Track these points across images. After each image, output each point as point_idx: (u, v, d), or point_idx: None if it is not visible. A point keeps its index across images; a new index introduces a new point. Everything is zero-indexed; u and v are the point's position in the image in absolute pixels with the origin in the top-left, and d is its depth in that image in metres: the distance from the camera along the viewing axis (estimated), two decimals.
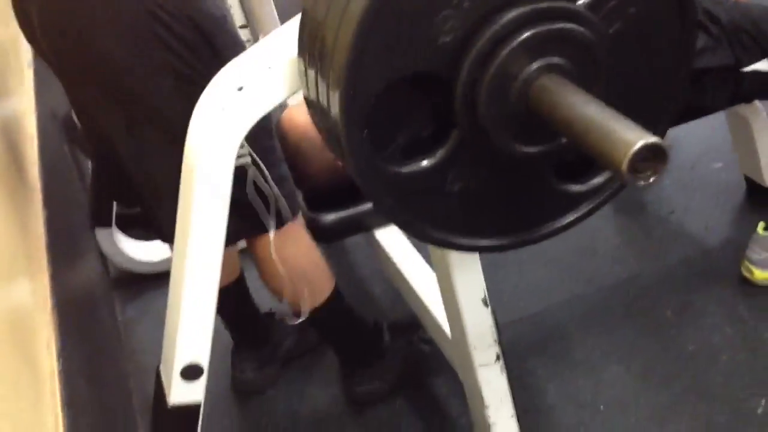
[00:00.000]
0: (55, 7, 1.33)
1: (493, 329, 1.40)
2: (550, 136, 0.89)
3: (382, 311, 2.11)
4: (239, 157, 1.37)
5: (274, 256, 1.51)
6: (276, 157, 1.53)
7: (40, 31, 1.38)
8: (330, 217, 1.73)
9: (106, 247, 2.24)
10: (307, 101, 0.97)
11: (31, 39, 1.47)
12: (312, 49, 0.89)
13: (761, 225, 1.93)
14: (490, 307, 1.37)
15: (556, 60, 0.83)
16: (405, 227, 0.98)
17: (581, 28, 0.84)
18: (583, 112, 0.76)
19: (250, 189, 1.43)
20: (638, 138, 0.69)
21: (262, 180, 1.44)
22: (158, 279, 2.19)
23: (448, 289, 1.36)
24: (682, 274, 2.04)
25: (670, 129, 2.07)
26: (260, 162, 1.43)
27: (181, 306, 1.18)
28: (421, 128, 0.92)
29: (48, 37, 1.38)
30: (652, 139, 0.68)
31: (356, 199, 1.74)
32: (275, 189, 1.47)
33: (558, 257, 2.16)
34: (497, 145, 0.88)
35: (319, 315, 1.70)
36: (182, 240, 1.15)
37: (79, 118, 1.65)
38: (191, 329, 1.20)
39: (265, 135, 1.47)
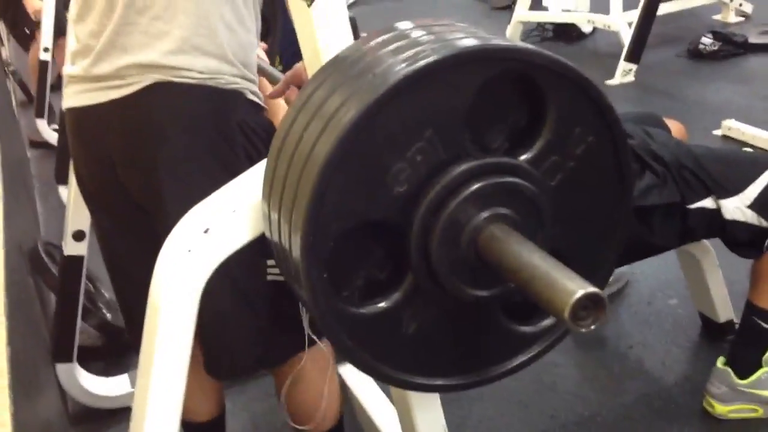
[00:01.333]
0: (138, 130, 1.32)
1: None
2: (499, 280, 0.92)
3: None
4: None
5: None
6: None
7: (121, 160, 1.36)
8: None
9: (66, 382, 2.21)
10: (271, 243, 1.01)
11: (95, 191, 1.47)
12: (275, 195, 0.94)
13: (720, 360, 1.97)
14: None
15: (502, 210, 0.89)
16: (363, 368, 0.99)
17: (524, 182, 0.90)
18: (528, 261, 0.81)
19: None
20: (578, 288, 0.73)
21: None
22: (118, 414, 2.16)
23: (409, 428, 1.36)
24: (642, 411, 2.05)
25: (627, 266, 2.15)
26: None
27: None
28: (377, 271, 0.95)
29: (126, 164, 1.36)
30: (591, 289, 0.73)
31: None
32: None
33: (519, 393, 2.17)
34: (449, 290, 0.91)
35: None
36: (144, 379, 1.16)
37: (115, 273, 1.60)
38: None
39: None
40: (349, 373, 1.85)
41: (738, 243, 1.89)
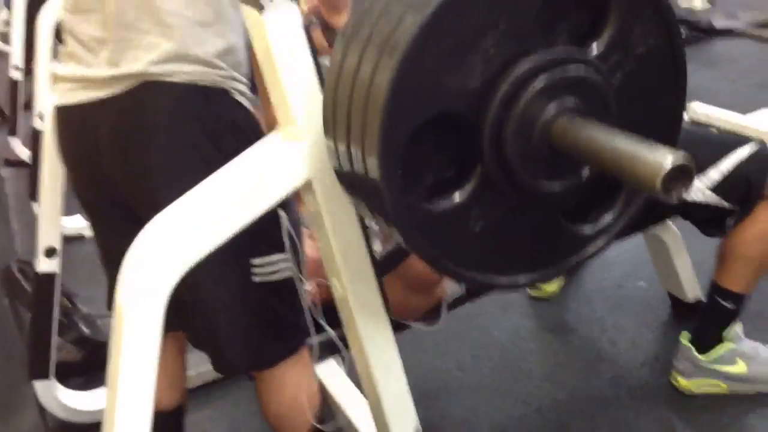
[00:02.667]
0: (127, 125, 1.34)
1: None
2: (570, 172, 0.97)
3: None
4: (276, 271, 1.42)
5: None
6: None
7: (108, 153, 1.38)
8: None
9: (44, 399, 2.21)
10: (338, 173, 1.03)
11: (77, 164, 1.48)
12: (341, 116, 0.96)
13: (684, 335, 2.01)
14: None
15: (573, 101, 0.92)
16: (432, 263, 1.01)
17: (594, 74, 0.94)
18: (609, 141, 0.84)
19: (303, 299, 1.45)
20: (668, 158, 0.76)
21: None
22: (98, 428, 2.16)
23: (382, 426, 1.38)
24: (616, 392, 2.08)
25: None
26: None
27: None
28: (447, 168, 0.98)
29: (114, 158, 1.38)
30: (681, 158, 0.76)
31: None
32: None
33: (496, 382, 2.20)
34: (520, 182, 0.95)
35: None
36: (113, 389, 1.16)
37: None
38: None
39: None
40: (324, 371, 1.86)
41: (701, 222, 1.92)
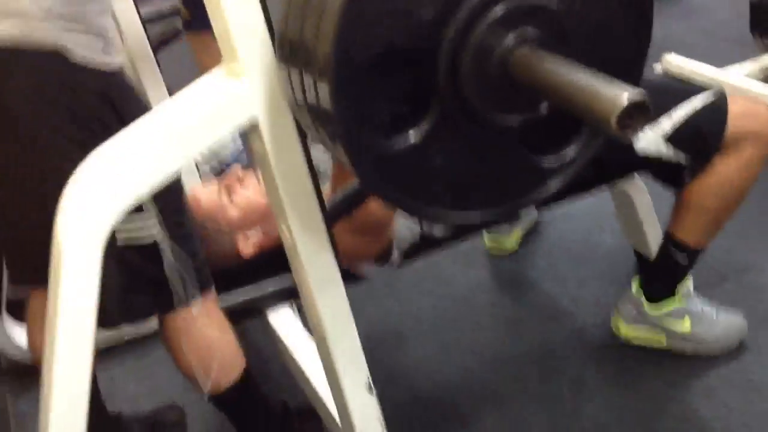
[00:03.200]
0: None
1: (379, 414, 1.39)
2: (529, 105, 0.94)
3: (281, 393, 2.09)
4: (147, 232, 1.41)
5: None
6: (187, 232, 1.52)
7: None
8: (225, 300, 1.72)
9: None
10: (293, 106, 0.99)
11: None
12: (295, 43, 0.92)
13: (635, 282, 2.01)
14: (375, 392, 1.37)
15: (531, 31, 0.88)
16: (393, 202, 0.99)
17: (555, 2, 0.89)
18: (567, 75, 0.81)
19: (168, 264, 1.44)
20: (624, 93, 0.73)
21: (170, 255, 1.44)
22: None
23: (332, 375, 1.35)
24: (574, 348, 2.07)
25: (562, 205, 2.13)
26: (169, 236, 1.44)
27: (53, 391, 1.14)
28: (403, 105, 0.94)
29: None
30: (637, 94, 0.72)
31: (251, 281, 1.75)
32: (188, 263, 1.46)
33: (452, 332, 2.18)
34: (478, 116, 0.92)
35: (226, 395, 1.66)
36: (51, 335, 1.12)
37: None
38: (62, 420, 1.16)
39: (175, 209, 1.47)
40: (278, 320, 1.83)
41: (657, 174, 1.88)
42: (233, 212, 1.70)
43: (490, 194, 1.04)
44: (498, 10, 0.86)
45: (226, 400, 1.69)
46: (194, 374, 1.62)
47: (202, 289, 1.55)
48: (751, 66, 3.49)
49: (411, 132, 0.94)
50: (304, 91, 0.93)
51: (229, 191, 1.72)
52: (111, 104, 1.37)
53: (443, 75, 0.89)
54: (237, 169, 1.75)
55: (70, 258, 1.06)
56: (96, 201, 1.05)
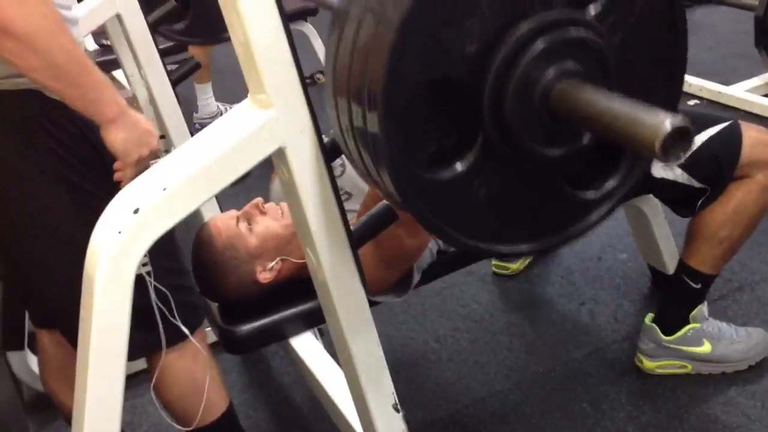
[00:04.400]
0: None
1: None
2: (571, 136, 0.96)
3: (302, 418, 2.11)
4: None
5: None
6: (177, 267, 1.54)
7: None
8: (244, 329, 1.74)
9: (18, 370, 2.18)
10: (338, 135, 1.01)
11: None
12: (345, 73, 0.94)
13: (648, 316, 2.00)
14: (401, 412, 1.38)
15: (572, 65, 0.90)
16: (436, 232, 1.01)
17: (593, 35, 0.92)
18: (607, 106, 0.83)
19: (154, 301, 1.43)
20: (666, 120, 0.75)
21: (155, 292, 1.43)
22: None
23: (359, 397, 1.37)
24: (594, 365, 2.08)
25: None
26: (151, 269, 1.42)
27: (85, 417, 1.15)
28: (448, 136, 0.96)
29: None
30: (680, 120, 0.75)
31: (272, 309, 1.77)
32: (177, 300, 1.47)
33: (476, 355, 2.19)
34: (521, 148, 0.94)
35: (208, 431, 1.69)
36: (83, 366, 1.15)
37: None
38: None
39: (165, 242, 1.49)
40: (300, 344, 1.84)
41: (670, 200, 1.90)
42: (252, 241, 1.72)
43: (532, 227, 1.06)
44: (539, 45, 0.89)
45: None
46: (177, 411, 1.64)
47: (191, 326, 1.56)
48: (757, 82, 3.53)
49: (456, 163, 0.96)
50: (351, 121, 0.95)
51: (249, 219, 1.75)
52: (89, 141, 1.38)
53: (487, 107, 0.91)
54: (258, 199, 1.78)
55: (103, 292, 1.09)
56: (128, 237, 1.07)
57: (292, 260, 1.73)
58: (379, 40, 0.87)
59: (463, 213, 1.00)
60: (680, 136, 0.76)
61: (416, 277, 1.71)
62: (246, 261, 1.72)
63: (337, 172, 1.81)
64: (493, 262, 2.51)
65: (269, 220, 1.75)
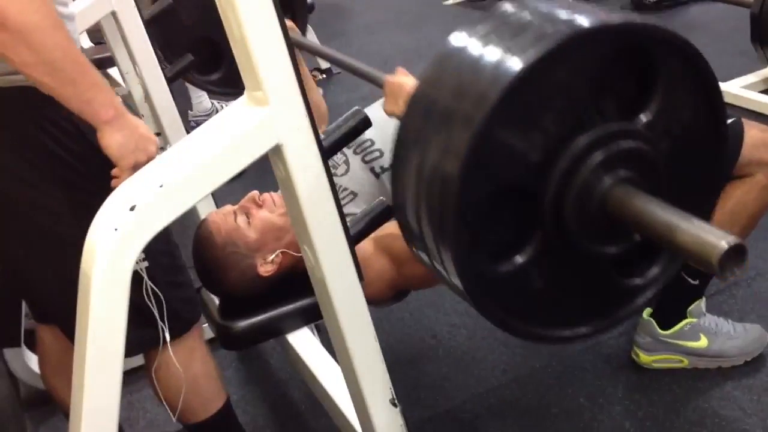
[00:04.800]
0: None
1: (404, 429, 1.41)
2: (624, 236, 1.01)
3: (300, 414, 2.11)
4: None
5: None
6: (171, 262, 1.54)
7: None
8: (241, 325, 1.75)
9: (16, 367, 2.19)
10: (403, 220, 1.07)
11: None
12: (417, 171, 1.00)
13: (646, 311, 2.00)
14: (399, 407, 1.39)
15: (627, 173, 0.96)
16: (498, 323, 1.05)
17: (645, 146, 0.98)
18: (663, 217, 0.90)
19: (150, 297, 1.43)
20: (723, 240, 0.82)
21: (152, 287, 1.44)
22: None
23: (356, 393, 1.37)
24: (592, 360, 2.08)
25: None
26: (148, 266, 1.42)
27: (83, 414, 1.16)
28: (509, 233, 1.01)
29: None
30: (736, 240, 0.82)
31: (273, 304, 1.78)
32: (173, 296, 1.48)
33: (473, 350, 2.20)
34: (578, 246, 1.00)
35: (204, 428, 1.69)
36: (80, 363, 1.15)
37: None
38: None
39: (160, 238, 1.49)
40: (297, 339, 1.85)
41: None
42: (251, 234, 1.73)
43: (584, 311, 1.10)
44: (597, 157, 0.95)
45: (203, 431, 1.71)
46: (175, 406, 1.64)
47: (187, 322, 1.56)
48: (753, 79, 3.53)
49: (516, 257, 1.01)
50: (421, 232, 1.02)
51: (246, 213, 1.75)
52: (85, 138, 1.37)
53: (548, 211, 0.97)
54: (254, 193, 1.78)
55: (99, 290, 1.09)
56: (124, 234, 1.08)
57: (292, 253, 1.73)
58: (453, 151, 0.93)
59: (522, 302, 1.05)
60: (736, 254, 0.82)
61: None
62: (247, 255, 1.73)
63: (341, 170, 1.80)
64: None
65: (266, 212, 1.75)
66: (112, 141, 1.29)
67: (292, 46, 1.06)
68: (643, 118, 0.99)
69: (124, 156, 1.31)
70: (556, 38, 0.89)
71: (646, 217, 0.91)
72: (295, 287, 1.75)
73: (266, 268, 1.73)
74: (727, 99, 3.42)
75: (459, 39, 1.01)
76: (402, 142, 1.02)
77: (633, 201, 0.93)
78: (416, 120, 1.00)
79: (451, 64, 1.00)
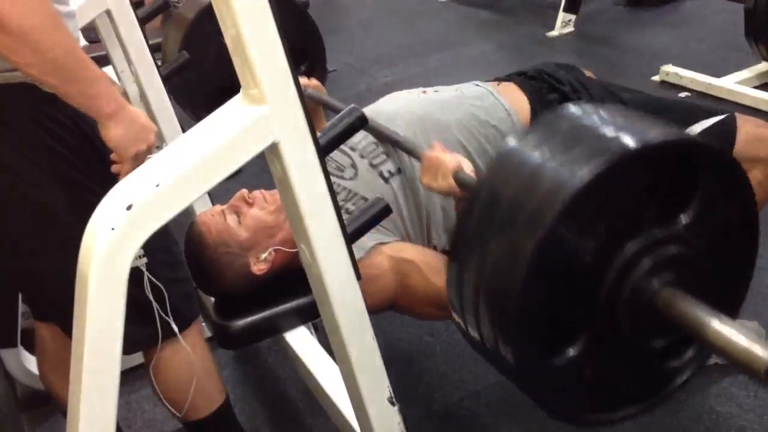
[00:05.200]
0: None
1: (402, 427, 1.41)
2: (670, 332, 1.08)
3: (298, 413, 2.11)
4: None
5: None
6: (172, 259, 1.54)
7: None
8: (239, 323, 1.74)
9: (12, 367, 2.18)
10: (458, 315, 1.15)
11: None
12: (471, 281, 1.06)
13: None
14: (397, 405, 1.39)
15: (672, 275, 1.03)
16: (550, 412, 1.11)
17: (688, 249, 1.05)
18: (710, 324, 0.96)
19: (150, 294, 1.43)
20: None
21: (151, 285, 1.44)
22: None
23: (354, 391, 1.37)
24: None
25: None
26: (147, 262, 1.42)
27: (80, 413, 1.15)
28: (563, 328, 1.06)
29: None
30: None
31: (269, 302, 1.77)
32: (172, 292, 1.47)
33: (468, 348, 2.18)
34: (628, 340, 1.06)
35: (204, 426, 1.69)
36: (78, 360, 1.15)
37: None
38: None
39: (159, 234, 1.49)
40: (294, 337, 1.85)
41: None
42: (243, 233, 1.72)
43: (629, 394, 1.15)
44: (646, 263, 1.02)
45: (203, 428, 1.71)
46: (174, 403, 1.64)
47: (187, 318, 1.56)
48: (747, 74, 3.53)
49: (568, 351, 1.06)
50: (480, 333, 1.09)
51: (237, 212, 1.74)
52: (84, 134, 1.38)
53: (602, 310, 1.03)
54: (243, 191, 1.77)
55: (96, 289, 1.09)
56: (121, 233, 1.07)
57: (286, 250, 1.73)
58: (518, 253, 0.98)
59: (575, 392, 1.10)
60: None
61: None
62: (239, 255, 1.72)
63: (348, 173, 1.79)
64: None
65: (257, 210, 1.74)
66: (114, 133, 1.32)
67: (287, 44, 1.05)
68: (683, 219, 1.05)
69: (126, 147, 1.34)
70: (610, 156, 0.96)
71: (690, 319, 0.98)
72: (291, 285, 1.75)
73: (259, 266, 1.73)
74: (721, 94, 3.45)
75: (520, 145, 1.08)
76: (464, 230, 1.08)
77: (678, 303, 1.00)
78: (479, 215, 1.06)
79: (512, 168, 1.06)
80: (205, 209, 2.34)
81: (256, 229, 1.72)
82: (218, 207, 1.79)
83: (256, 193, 1.77)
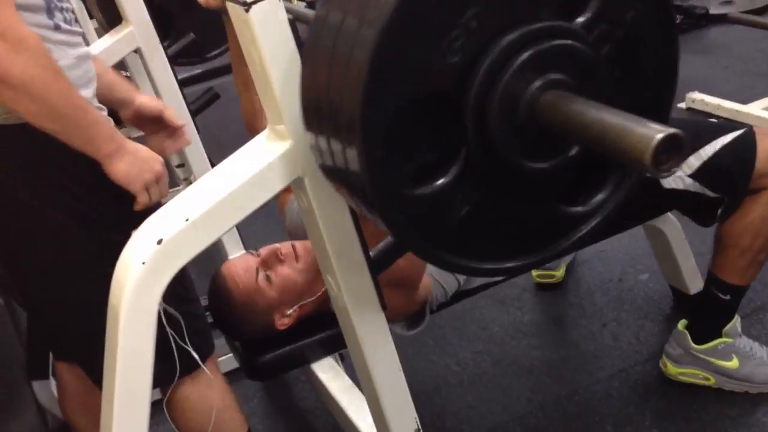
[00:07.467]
0: None
1: None
2: (557, 150, 0.93)
3: None
4: None
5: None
6: (184, 294, 1.55)
7: None
8: (266, 356, 1.75)
9: (44, 399, 2.20)
10: (322, 166, 1.00)
11: None
12: (321, 96, 0.93)
13: (681, 322, 1.99)
14: None
15: (560, 75, 0.88)
16: (420, 253, 1.00)
17: (580, 45, 0.89)
18: (597, 116, 0.80)
19: (167, 330, 1.42)
20: (657, 131, 0.72)
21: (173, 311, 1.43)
22: None
23: (381, 422, 1.37)
24: (618, 387, 2.07)
25: (594, 245, 2.13)
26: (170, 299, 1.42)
27: None
28: (429, 152, 0.93)
29: None
30: (671, 130, 0.72)
31: (293, 336, 1.78)
32: (190, 328, 1.48)
33: (498, 378, 2.19)
34: (506, 162, 0.91)
35: None
36: (109, 393, 1.16)
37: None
38: None
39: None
40: (321, 369, 1.85)
41: (687, 210, 1.89)
42: (272, 294, 1.72)
43: (519, 243, 1.04)
44: (524, 55, 0.86)
45: None
46: None
47: (203, 354, 1.56)
48: None
49: (439, 180, 0.94)
50: (332, 151, 0.95)
51: (267, 267, 1.74)
52: (95, 168, 1.38)
53: (471, 121, 0.89)
54: (275, 247, 1.76)
55: (127, 325, 1.11)
56: (152, 267, 1.09)
57: (310, 301, 1.73)
58: (356, 57, 0.84)
59: (447, 231, 0.98)
60: (673, 147, 0.73)
61: (428, 315, 1.73)
62: (265, 312, 1.74)
63: None
64: (535, 272, 2.48)
65: (287, 269, 1.74)
66: (118, 170, 1.37)
67: None
68: (581, 17, 0.92)
69: (133, 180, 1.39)
70: None
71: (577, 118, 0.82)
72: (313, 325, 1.76)
73: (283, 321, 1.74)
74: (748, 120, 3.43)
75: None
76: (310, 53, 0.95)
77: (564, 104, 0.84)
78: (320, 29, 0.93)
79: None
80: (232, 241, 2.38)
81: (285, 290, 1.73)
82: (250, 259, 1.77)
83: (288, 248, 1.76)
